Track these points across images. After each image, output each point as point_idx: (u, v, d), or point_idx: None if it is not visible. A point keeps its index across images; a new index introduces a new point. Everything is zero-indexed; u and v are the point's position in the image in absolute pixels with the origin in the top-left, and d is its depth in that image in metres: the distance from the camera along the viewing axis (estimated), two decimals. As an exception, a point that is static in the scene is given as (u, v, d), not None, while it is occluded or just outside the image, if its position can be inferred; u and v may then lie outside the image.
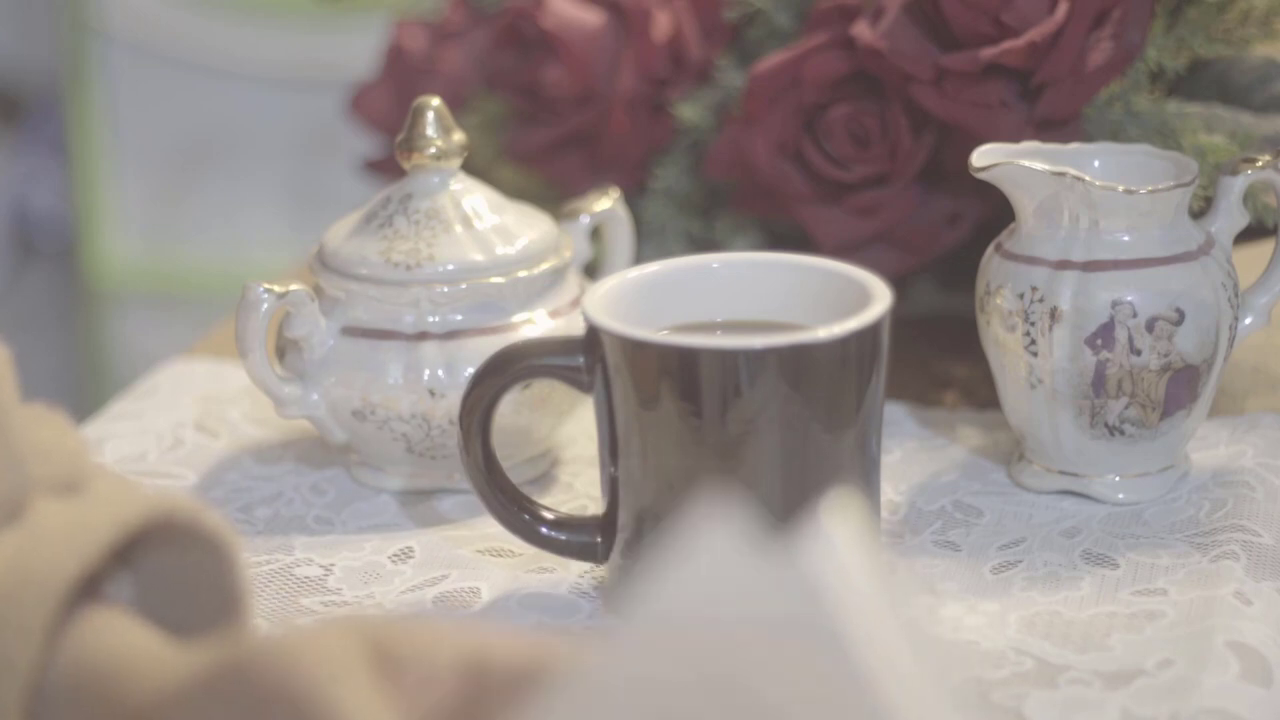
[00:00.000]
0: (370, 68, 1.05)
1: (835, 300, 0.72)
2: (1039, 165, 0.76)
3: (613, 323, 0.69)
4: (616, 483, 0.71)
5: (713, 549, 0.45)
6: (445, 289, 0.78)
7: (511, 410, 0.78)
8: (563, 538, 0.73)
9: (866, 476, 0.71)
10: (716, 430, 0.68)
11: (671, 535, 0.48)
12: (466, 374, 0.77)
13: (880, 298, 0.70)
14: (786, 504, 0.69)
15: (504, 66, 0.98)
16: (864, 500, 0.70)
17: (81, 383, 2.53)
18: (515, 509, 0.73)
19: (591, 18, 0.95)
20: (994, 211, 0.84)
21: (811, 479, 0.69)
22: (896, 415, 0.86)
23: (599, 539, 0.72)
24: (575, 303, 0.81)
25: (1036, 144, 0.79)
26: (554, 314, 0.80)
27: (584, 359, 0.71)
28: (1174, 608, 0.70)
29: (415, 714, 0.49)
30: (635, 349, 0.69)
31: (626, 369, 0.69)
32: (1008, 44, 0.83)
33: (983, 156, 0.77)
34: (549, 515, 0.73)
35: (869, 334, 0.69)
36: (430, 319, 0.79)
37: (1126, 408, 0.76)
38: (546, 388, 0.79)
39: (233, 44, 2.42)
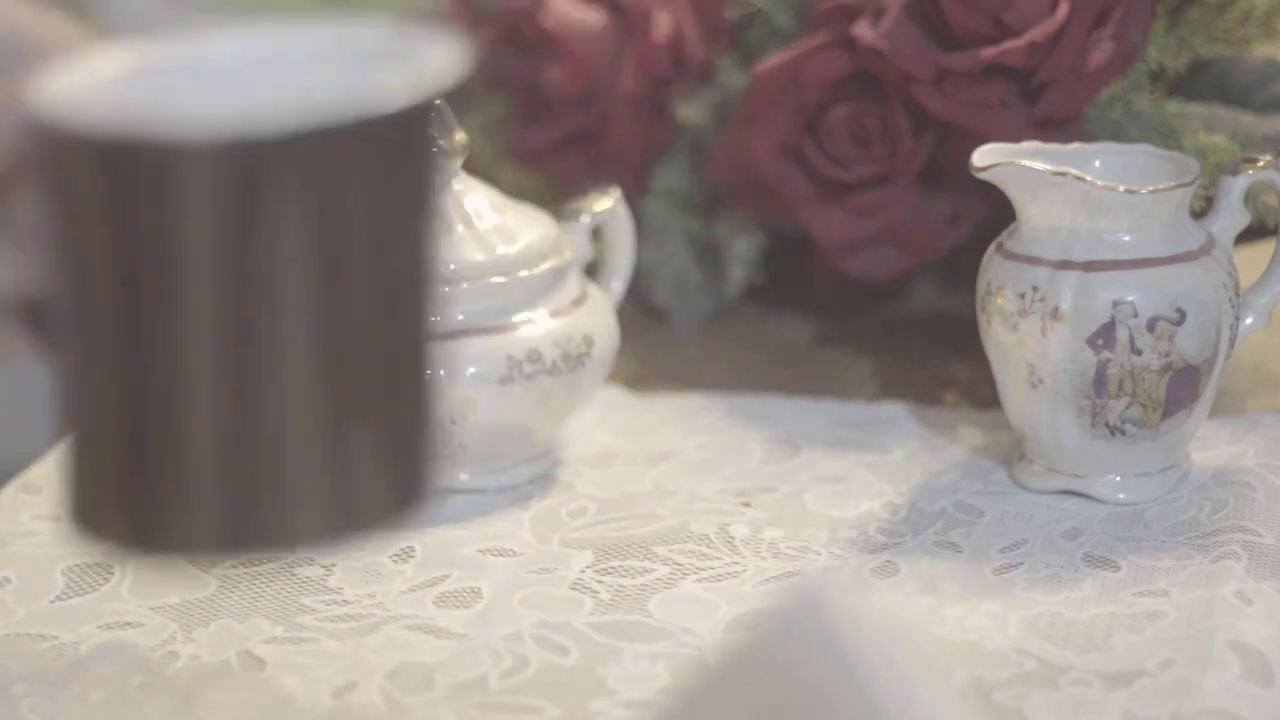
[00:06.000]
0: (370, 68, 1.04)
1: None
2: (1039, 165, 0.76)
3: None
4: None
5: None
6: (446, 288, 0.78)
7: (512, 410, 0.78)
8: None
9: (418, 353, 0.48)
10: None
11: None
12: (468, 374, 0.77)
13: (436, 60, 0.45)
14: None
15: (504, 66, 0.98)
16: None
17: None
18: None
19: (592, 18, 0.95)
20: (994, 211, 0.84)
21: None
22: (897, 415, 0.86)
23: None
24: (576, 302, 0.81)
25: (1037, 144, 0.79)
26: (555, 314, 0.80)
27: None
28: (1175, 608, 0.70)
29: None
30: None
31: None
32: (1008, 44, 0.83)
33: (983, 156, 0.77)
34: None
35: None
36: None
37: (1127, 408, 0.76)
38: (547, 388, 0.79)
39: (232, 44, 2.42)
